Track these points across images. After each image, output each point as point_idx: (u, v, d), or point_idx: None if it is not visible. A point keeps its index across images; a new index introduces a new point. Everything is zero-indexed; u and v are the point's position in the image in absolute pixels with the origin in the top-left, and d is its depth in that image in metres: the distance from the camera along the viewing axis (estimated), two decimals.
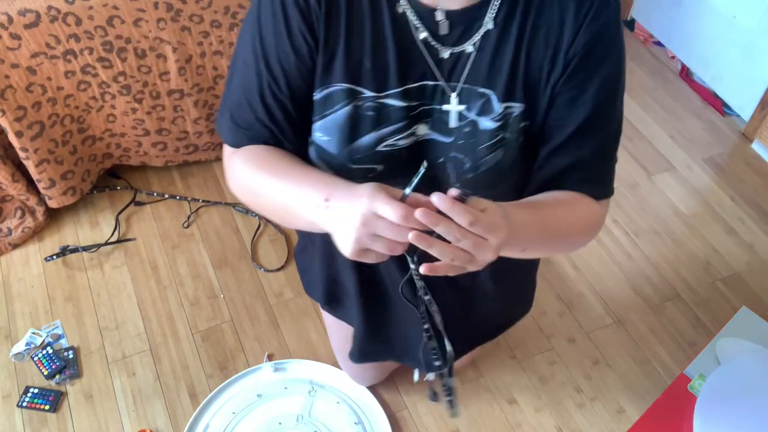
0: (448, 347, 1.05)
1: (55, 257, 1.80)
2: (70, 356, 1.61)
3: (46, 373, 1.57)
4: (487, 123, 0.88)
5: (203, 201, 1.97)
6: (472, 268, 0.73)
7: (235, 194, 0.95)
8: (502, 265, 0.84)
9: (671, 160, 2.22)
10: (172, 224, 1.92)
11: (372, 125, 0.89)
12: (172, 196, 1.98)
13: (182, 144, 1.93)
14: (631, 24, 2.75)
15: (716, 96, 2.43)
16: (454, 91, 0.88)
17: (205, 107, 1.86)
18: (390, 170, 0.92)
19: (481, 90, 0.88)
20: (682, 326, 1.77)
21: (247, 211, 1.95)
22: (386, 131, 0.89)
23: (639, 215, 2.04)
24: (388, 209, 0.69)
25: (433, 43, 0.86)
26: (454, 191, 0.70)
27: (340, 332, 1.47)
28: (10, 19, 1.53)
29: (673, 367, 1.68)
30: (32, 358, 1.59)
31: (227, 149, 0.96)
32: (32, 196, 1.82)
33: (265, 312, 1.74)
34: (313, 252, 1.27)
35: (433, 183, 0.93)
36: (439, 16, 0.84)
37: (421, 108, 0.90)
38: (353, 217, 0.70)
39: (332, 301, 1.28)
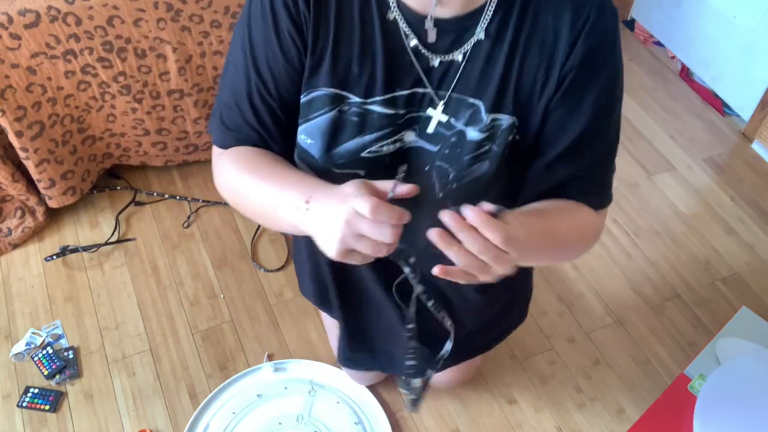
0: (446, 348, 1.04)
1: (55, 257, 1.80)
2: (70, 356, 1.61)
3: (46, 373, 1.57)
4: (473, 133, 0.87)
5: (203, 201, 1.97)
6: (484, 279, 0.72)
7: (221, 195, 0.95)
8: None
9: (671, 160, 2.22)
10: (172, 224, 1.92)
11: (356, 131, 0.88)
12: (172, 196, 1.98)
13: (182, 144, 1.93)
14: (631, 24, 2.75)
15: (716, 96, 2.43)
16: (442, 100, 0.87)
17: (205, 107, 1.86)
18: (373, 176, 0.91)
19: (471, 100, 0.86)
20: (682, 326, 1.77)
21: None
22: (370, 138, 0.88)
23: (639, 215, 2.04)
24: (362, 203, 0.68)
25: (424, 51, 0.85)
26: (488, 206, 0.69)
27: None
28: (10, 19, 1.53)
29: (673, 367, 1.68)
30: (32, 358, 1.59)
31: (216, 150, 0.96)
32: (32, 196, 1.82)
33: (265, 312, 1.74)
34: (300, 250, 1.27)
35: (419, 192, 0.93)
36: (428, 24, 0.83)
37: (409, 115, 0.89)
38: (336, 216, 0.69)
39: (325, 302, 1.28)
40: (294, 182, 0.81)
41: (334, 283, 1.19)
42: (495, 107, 0.86)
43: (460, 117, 0.87)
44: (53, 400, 1.53)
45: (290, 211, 0.78)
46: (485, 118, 0.86)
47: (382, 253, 0.70)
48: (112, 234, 1.87)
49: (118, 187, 1.99)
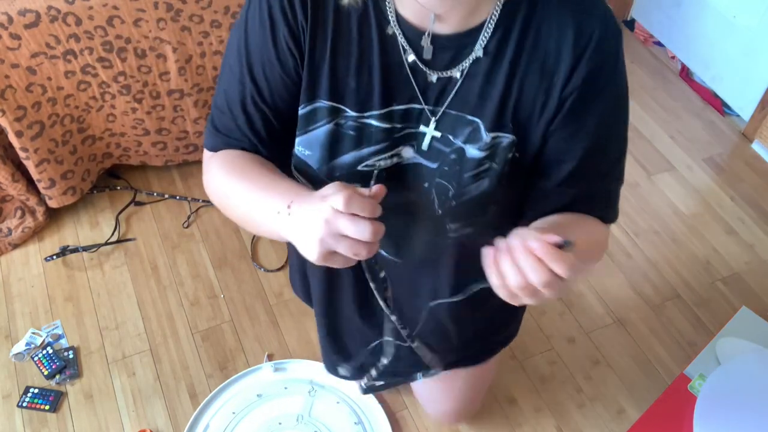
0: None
1: (55, 257, 1.80)
2: (70, 356, 1.61)
3: (46, 373, 1.57)
4: (473, 151, 0.86)
5: (203, 201, 1.97)
6: (529, 302, 0.72)
7: (210, 199, 0.94)
8: (477, 295, 0.84)
9: (671, 160, 2.22)
10: (172, 224, 1.92)
11: (353, 144, 0.87)
12: (172, 196, 1.98)
13: (182, 144, 1.93)
14: (631, 24, 2.75)
15: (716, 96, 2.43)
16: (434, 116, 0.86)
17: (205, 107, 1.86)
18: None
19: (470, 117, 0.85)
20: (682, 326, 1.77)
21: None
22: (366, 151, 0.87)
23: (639, 215, 2.04)
24: (336, 198, 0.67)
25: (422, 66, 0.84)
26: (553, 237, 0.68)
27: None
28: (10, 19, 1.53)
29: (673, 367, 1.68)
30: (32, 358, 1.59)
31: (206, 153, 0.95)
32: (32, 196, 1.82)
33: (265, 312, 1.74)
34: (290, 247, 1.28)
35: (417, 208, 0.92)
36: (425, 41, 0.82)
37: (405, 131, 0.88)
38: (315, 216, 0.69)
39: (309, 298, 1.28)
40: (278, 187, 0.80)
41: (316, 283, 1.19)
42: (495, 126, 0.85)
43: (458, 134, 0.86)
44: (53, 400, 1.53)
45: (272, 216, 0.77)
46: (485, 136, 0.85)
47: (363, 255, 0.69)
48: (112, 234, 1.87)
49: (118, 187, 1.99)
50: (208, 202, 1.96)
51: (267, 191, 0.80)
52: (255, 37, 0.85)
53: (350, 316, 1.19)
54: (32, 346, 1.61)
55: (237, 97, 0.88)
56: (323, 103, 0.86)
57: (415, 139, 0.88)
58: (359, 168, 0.88)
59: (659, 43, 2.65)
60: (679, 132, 2.33)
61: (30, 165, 1.72)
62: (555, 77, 0.82)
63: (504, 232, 0.73)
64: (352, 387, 1.57)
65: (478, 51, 0.82)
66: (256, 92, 0.87)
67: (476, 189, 0.88)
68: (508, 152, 0.86)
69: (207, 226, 1.92)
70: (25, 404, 1.52)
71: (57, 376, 1.57)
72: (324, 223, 0.68)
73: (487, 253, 0.73)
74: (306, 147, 0.89)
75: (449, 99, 0.85)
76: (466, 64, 0.83)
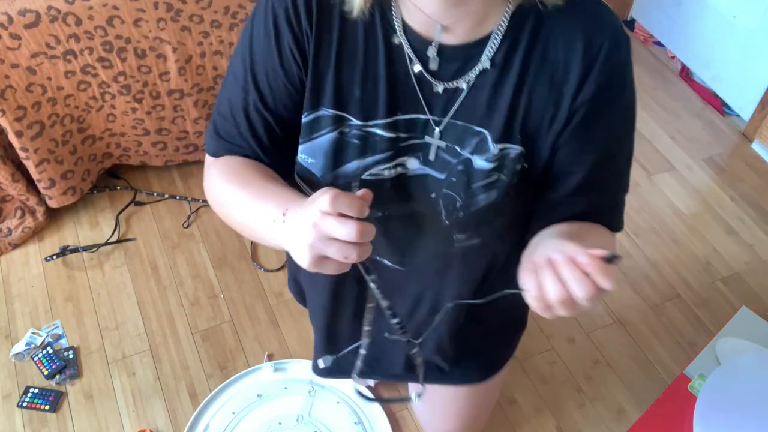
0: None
1: (55, 257, 1.80)
2: (70, 356, 1.61)
3: (46, 373, 1.57)
4: (481, 162, 0.86)
5: (203, 201, 1.97)
6: (563, 314, 0.72)
7: (210, 205, 0.93)
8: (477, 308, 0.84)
9: (671, 160, 2.22)
10: (172, 224, 1.92)
11: (357, 153, 0.87)
12: (172, 196, 1.98)
13: (182, 144, 1.93)
14: (631, 24, 2.75)
15: (716, 96, 2.43)
16: (439, 126, 0.85)
17: (205, 107, 1.86)
18: (373, 199, 0.91)
19: (476, 128, 0.85)
20: (682, 326, 1.77)
21: None
22: (370, 160, 0.87)
23: (639, 215, 2.04)
24: (323, 198, 0.66)
25: (428, 77, 0.83)
26: (600, 252, 0.67)
27: None
28: (10, 19, 1.53)
29: (673, 367, 1.68)
30: (32, 358, 1.59)
31: (208, 158, 0.95)
32: (32, 196, 1.82)
33: (265, 312, 1.74)
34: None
35: (424, 219, 0.92)
36: (431, 51, 0.81)
37: (410, 141, 0.87)
38: (305, 221, 0.68)
39: (303, 299, 1.28)
40: (275, 196, 0.80)
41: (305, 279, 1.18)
42: (503, 137, 0.84)
43: (465, 145, 0.86)
44: (53, 400, 1.53)
45: (269, 225, 0.76)
46: (493, 147, 0.84)
47: (353, 258, 0.68)
48: (112, 234, 1.87)
49: (118, 187, 1.99)
50: (207, 202, 1.96)
51: (265, 199, 0.80)
52: (260, 45, 0.84)
53: (352, 331, 1.18)
54: (32, 346, 1.61)
55: (240, 104, 0.88)
56: (327, 112, 0.86)
57: (421, 149, 0.88)
58: (363, 177, 0.88)
59: (659, 43, 2.65)
60: (679, 132, 2.33)
61: (30, 165, 1.72)
62: (564, 89, 0.81)
63: (511, 243, 0.73)
64: (352, 387, 1.57)
65: (485, 62, 0.81)
66: (260, 100, 0.87)
67: (484, 200, 0.87)
68: (516, 163, 0.86)
69: (207, 226, 1.92)
70: (25, 404, 1.52)
71: (57, 376, 1.57)
72: (312, 226, 0.67)
73: (525, 266, 0.72)
74: (309, 155, 0.89)
75: (454, 109, 0.84)
76: (472, 75, 0.82)
